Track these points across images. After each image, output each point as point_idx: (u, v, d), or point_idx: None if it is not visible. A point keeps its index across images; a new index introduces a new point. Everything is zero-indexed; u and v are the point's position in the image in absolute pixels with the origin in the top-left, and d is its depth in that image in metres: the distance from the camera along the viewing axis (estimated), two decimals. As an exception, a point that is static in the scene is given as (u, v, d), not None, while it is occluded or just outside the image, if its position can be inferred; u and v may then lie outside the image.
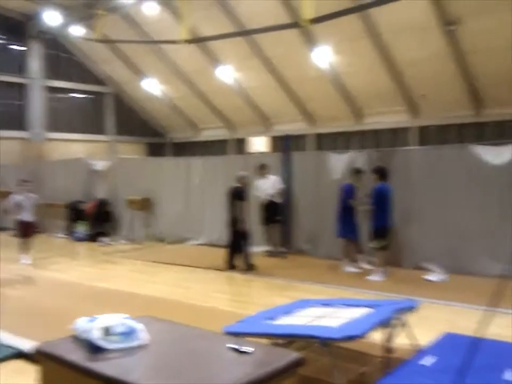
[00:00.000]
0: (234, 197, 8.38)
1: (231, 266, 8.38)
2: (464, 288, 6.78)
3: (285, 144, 10.42)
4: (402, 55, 12.97)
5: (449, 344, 3.81)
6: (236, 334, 3.82)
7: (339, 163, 9.20)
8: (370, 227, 7.77)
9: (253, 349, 2.82)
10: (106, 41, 15.98)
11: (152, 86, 18.62)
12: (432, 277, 7.43)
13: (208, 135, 19.82)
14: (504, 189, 7.29)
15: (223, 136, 19.34)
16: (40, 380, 2.83)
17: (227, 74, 16.46)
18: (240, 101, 17.32)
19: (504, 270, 6.99)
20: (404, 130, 15.23)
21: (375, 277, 7.52)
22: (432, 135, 14.62)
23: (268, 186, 9.53)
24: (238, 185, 8.50)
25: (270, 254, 9.63)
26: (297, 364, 2.85)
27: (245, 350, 2.80)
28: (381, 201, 7.55)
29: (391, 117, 15.04)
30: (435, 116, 14.03)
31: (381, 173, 7.75)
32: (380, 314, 3.91)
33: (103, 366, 2.55)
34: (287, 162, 9.92)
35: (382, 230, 7.56)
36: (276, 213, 9.60)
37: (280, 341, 4.34)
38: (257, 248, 9.87)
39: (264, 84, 16.11)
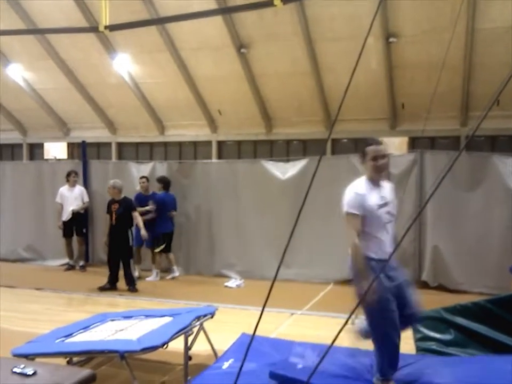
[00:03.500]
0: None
1: None
2: (258, 293, 7.23)
3: (82, 151, 10.05)
4: (200, 71, 13.45)
5: (245, 345, 4.03)
6: (26, 356, 3.55)
7: (141, 173, 9.19)
8: (154, 233, 8.20)
9: (36, 371, 2.73)
10: None
11: None
12: (230, 283, 7.82)
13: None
14: (290, 199, 7.98)
15: (14, 139, 17.74)
16: None
17: (16, 73, 15.19)
18: (32, 103, 16.09)
19: (296, 275, 7.79)
20: (205, 143, 15.77)
21: (151, 278, 8.30)
22: (230, 150, 15.43)
23: (73, 196, 9.08)
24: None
25: (69, 267, 9.14)
26: (87, 380, 2.82)
27: (29, 373, 2.69)
28: (163, 210, 8.21)
29: (192, 130, 15.46)
30: (232, 132, 14.82)
31: (164, 183, 8.34)
32: (179, 322, 3.99)
33: None
34: (85, 170, 9.59)
35: (164, 235, 8.25)
36: (81, 225, 9.22)
37: (77, 359, 4.16)
38: (54, 262, 9.48)
39: (60, 87, 15.22)
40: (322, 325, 5.48)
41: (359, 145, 11.88)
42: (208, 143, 15.69)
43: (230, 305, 6.31)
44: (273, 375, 3.34)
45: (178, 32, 12.47)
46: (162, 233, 8.26)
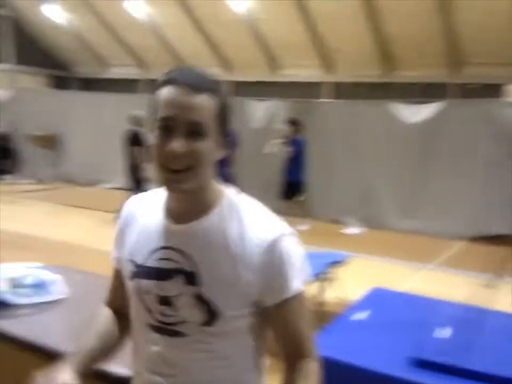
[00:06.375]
0: (130, 141, 7.39)
1: None
2: (381, 242, 6.94)
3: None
4: (319, 6, 12.75)
5: (379, 298, 3.79)
6: None
7: (260, 111, 8.99)
8: (289, 180, 7.39)
9: None
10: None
11: (55, 13, 16.92)
12: (350, 230, 7.52)
13: (117, 72, 18.60)
14: (419, 146, 7.47)
15: (134, 75, 18.25)
16: None
17: (138, 8, 15.30)
18: (153, 39, 16.33)
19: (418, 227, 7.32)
20: (317, 84, 15.22)
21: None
22: (344, 91, 14.74)
23: None
24: (134, 128, 7.50)
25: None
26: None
27: None
28: (302, 154, 7.37)
29: (306, 71, 14.96)
30: (347, 73, 14.12)
31: (299, 125, 7.53)
32: (314, 267, 3.79)
33: (12, 325, 2.08)
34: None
35: (303, 183, 7.44)
36: None
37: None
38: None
39: (178, 23, 15.22)
40: (457, 283, 5.05)
41: (490, 91, 10.77)
42: (319, 84, 15.11)
43: (351, 254, 6.02)
44: (420, 362, 2.82)
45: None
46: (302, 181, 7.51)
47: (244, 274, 1.11)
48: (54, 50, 19.11)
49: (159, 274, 1.16)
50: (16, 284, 2.28)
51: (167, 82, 1.11)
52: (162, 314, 1.17)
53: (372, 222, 7.64)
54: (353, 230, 7.52)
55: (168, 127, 1.08)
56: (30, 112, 11.35)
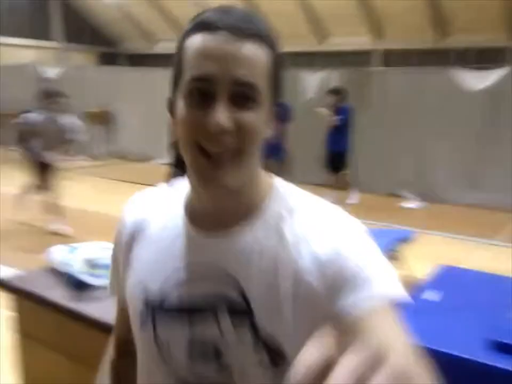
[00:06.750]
0: None
1: None
2: (442, 217, 6.73)
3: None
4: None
5: (449, 277, 3.65)
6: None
7: (312, 82, 8.79)
8: (333, 150, 7.04)
9: None
10: None
11: (103, -11, 17.01)
12: (409, 204, 7.30)
13: (165, 47, 18.62)
14: (481, 114, 7.14)
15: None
16: (14, 319, 2.41)
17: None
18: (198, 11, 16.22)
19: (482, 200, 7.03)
20: (366, 53, 14.77)
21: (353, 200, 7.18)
22: (395, 59, 14.25)
23: None
24: None
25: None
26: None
27: None
28: (348, 123, 7.01)
29: (354, 39, 14.51)
30: (398, 39, 13.60)
31: (343, 94, 7.15)
32: (379, 245, 3.69)
33: (89, 306, 2.06)
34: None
35: (347, 153, 7.12)
36: None
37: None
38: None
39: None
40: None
41: None
42: (368, 52, 14.64)
43: (413, 229, 5.84)
44: (499, 345, 2.66)
45: None
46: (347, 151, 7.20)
47: (307, 293, 0.75)
48: (102, 27, 19.32)
49: (189, 305, 0.81)
50: (92, 265, 2.27)
51: (199, 27, 0.75)
52: (197, 364, 0.82)
53: (430, 195, 7.40)
54: (412, 204, 7.30)
55: (203, 91, 0.73)
56: (82, 89, 11.50)
